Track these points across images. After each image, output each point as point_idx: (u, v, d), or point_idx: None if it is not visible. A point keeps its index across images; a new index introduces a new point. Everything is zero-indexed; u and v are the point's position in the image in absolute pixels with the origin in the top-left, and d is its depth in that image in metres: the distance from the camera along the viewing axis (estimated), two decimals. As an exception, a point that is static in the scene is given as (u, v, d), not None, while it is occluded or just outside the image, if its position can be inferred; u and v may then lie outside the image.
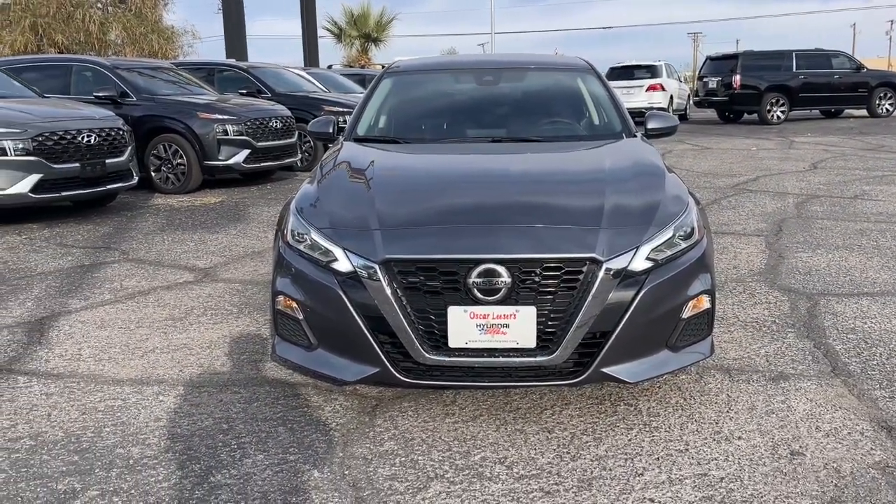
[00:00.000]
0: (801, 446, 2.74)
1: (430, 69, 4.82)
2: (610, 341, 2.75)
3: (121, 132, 7.81)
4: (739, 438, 2.81)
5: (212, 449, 2.79)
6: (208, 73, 12.34)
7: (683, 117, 23.86)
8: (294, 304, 2.96)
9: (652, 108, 20.38)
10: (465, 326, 2.72)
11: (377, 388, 3.23)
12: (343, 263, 2.82)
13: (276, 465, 2.66)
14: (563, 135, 4.17)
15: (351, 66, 24.56)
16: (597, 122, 4.24)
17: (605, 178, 3.26)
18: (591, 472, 2.58)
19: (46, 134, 7.03)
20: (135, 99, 9.43)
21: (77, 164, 7.26)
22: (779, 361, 3.55)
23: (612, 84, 20.46)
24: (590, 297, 2.71)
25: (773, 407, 3.07)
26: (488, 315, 2.71)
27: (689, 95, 24.32)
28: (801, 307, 4.37)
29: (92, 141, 7.39)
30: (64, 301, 4.81)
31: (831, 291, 4.67)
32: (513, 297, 2.71)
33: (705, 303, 2.99)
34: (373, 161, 3.57)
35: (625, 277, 2.76)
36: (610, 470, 2.60)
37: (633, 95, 20.59)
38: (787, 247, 5.89)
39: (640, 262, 2.80)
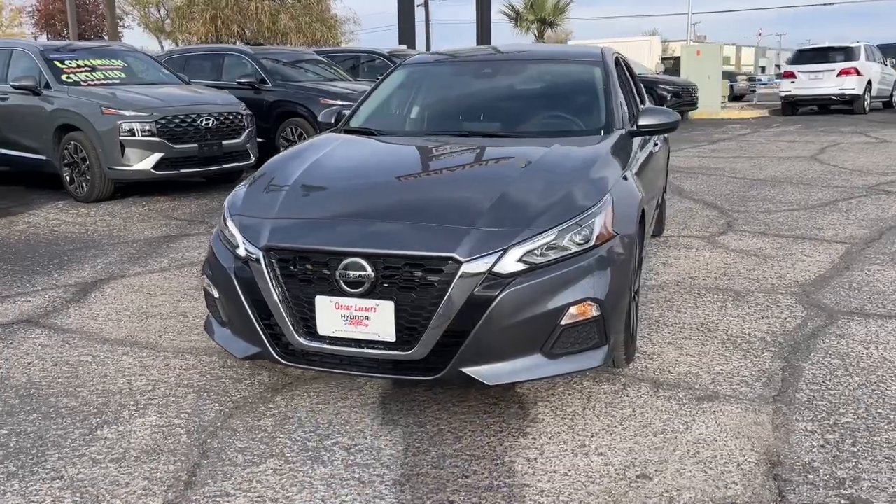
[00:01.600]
0: (655, 470, 2.60)
1: (441, 62, 4.88)
2: (466, 341, 2.75)
3: (239, 116, 8.54)
4: (599, 454, 2.71)
5: (122, 407, 3.14)
6: (356, 60, 12.99)
7: (889, 104, 21.47)
8: (213, 286, 3.24)
9: (843, 94, 18.67)
10: (331, 316, 2.85)
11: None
12: (241, 250, 3.05)
13: (158, 427, 2.96)
14: (537, 130, 4.08)
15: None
16: (583, 117, 4.11)
17: (514, 178, 3.21)
18: (420, 469, 2.62)
19: (169, 117, 7.88)
20: (270, 85, 10.22)
21: (195, 145, 8.06)
22: (724, 381, 3.31)
23: (801, 68, 18.87)
24: (447, 297, 2.73)
25: (668, 427, 2.90)
26: (351, 307, 2.82)
27: (896, 81, 21.82)
28: (809, 325, 3.99)
29: (210, 124, 8.16)
30: (127, 266, 5.46)
31: (863, 310, 4.20)
32: (375, 291, 2.80)
33: (592, 311, 2.88)
34: (321, 153, 3.75)
35: (488, 279, 2.74)
36: (440, 469, 2.62)
37: (822, 81, 18.87)
38: (866, 258, 5.30)
39: (509, 265, 2.77)
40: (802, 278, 4.85)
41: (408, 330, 2.79)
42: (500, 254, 2.77)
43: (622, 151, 3.69)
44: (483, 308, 2.73)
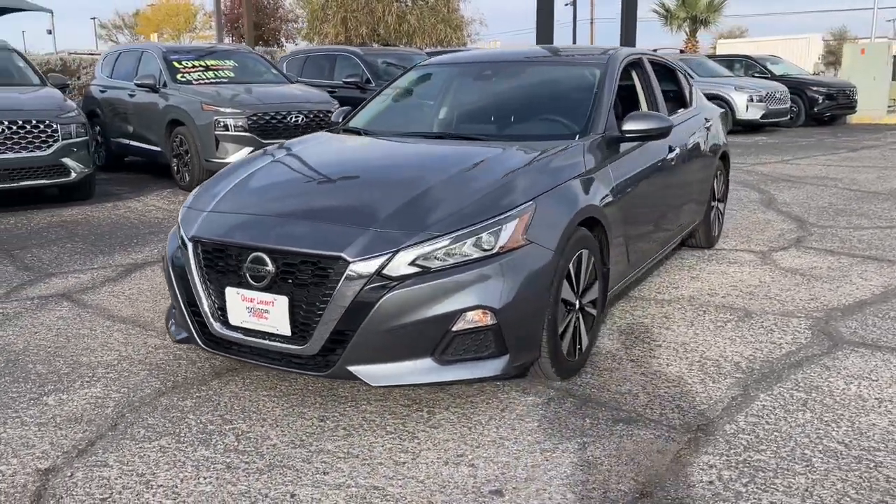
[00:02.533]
0: (514, 488, 2.53)
1: (449, 63, 4.87)
2: (352, 340, 2.80)
3: (329, 114, 8.90)
4: (470, 465, 2.67)
5: (79, 378, 3.45)
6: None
7: None
8: (170, 270, 3.48)
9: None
10: (238, 307, 2.99)
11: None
12: (177, 239, 3.27)
13: (95, 398, 3.23)
14: (511, 134, 4.00)
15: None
16: (561, 121, 3.98)
17: (442, 180, 3.19)
18: (288, 461, 2.70)
19: (260, 114, 8.38)
20: (374, 84, 10.56)
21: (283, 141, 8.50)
22: (657, 405, 3.13)
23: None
24: (334, 295, 2.79)
25: (561, 446, 2.80)
26: (254, 300, 2.95)
27: None
28: (801, 353, 3.66)
29: (299, 121, 8.59)
30: (180, 252, 5.89)
31: (877, 343, 3.80)
32: (274, 286, 2.91)
33: (486, 319, 2.83)
34: (286, 151, 3.90)
35: (376, 280, 2.77)
36: (308, 463, 2.69)
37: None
38: None
39: (400, 267, 2.78)
40: (836, 303, 4.42)
41: (302, 325, 2.87)
42: (389, 256, 2.78)
43: (587, 157, 3.56)
44: (369, 308, 2.76)
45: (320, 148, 4.06)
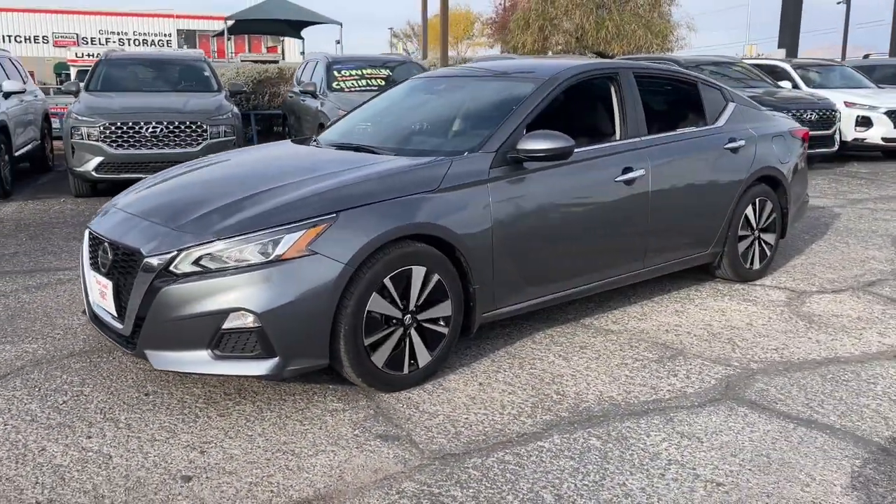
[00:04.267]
0: (207, 477, 2.74)
1: (421, 78, 4.95)
2: (143, 326, 3.18)
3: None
4: (194, 450, 2.92)
5: (20, 334, 4.21)
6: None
7: None
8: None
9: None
10: (94, 288, 3.53)
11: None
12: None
13: (4, 353, 3.95)
14: (409, 147, 4.02)
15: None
16: (468, 137, 3.95)
17: (267, 188, 3.40)
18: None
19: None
20: None
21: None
22: (436, 430, 3.11)
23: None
24: (135, 284, 3.20)
25: (306, 452, 2.94)
26: (100, 282, 3.46)
27: None
28: (675, 402, 3.34)
29: None
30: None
31: (772, 405, 3.32)
32: (110, 273, 3.39)
33: (250, 321, 3.05)
34: (219, 156, 4.33)
35: (162, 275, 3.12)
36: (90, 425, 3.12)
37: None
38: None
39: (184, 265, 3.11)
40: (795, 357, 3.87)
41: (121, 308, 3.31)
42: (174, 254, 3.11)
43: (451, 174, 3.55)
44: (153, 299, 3.11)
45: (240, 155, 4.44)
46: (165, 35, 49.68)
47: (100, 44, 46.07)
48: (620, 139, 4.34)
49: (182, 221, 3.25)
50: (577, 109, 4.75)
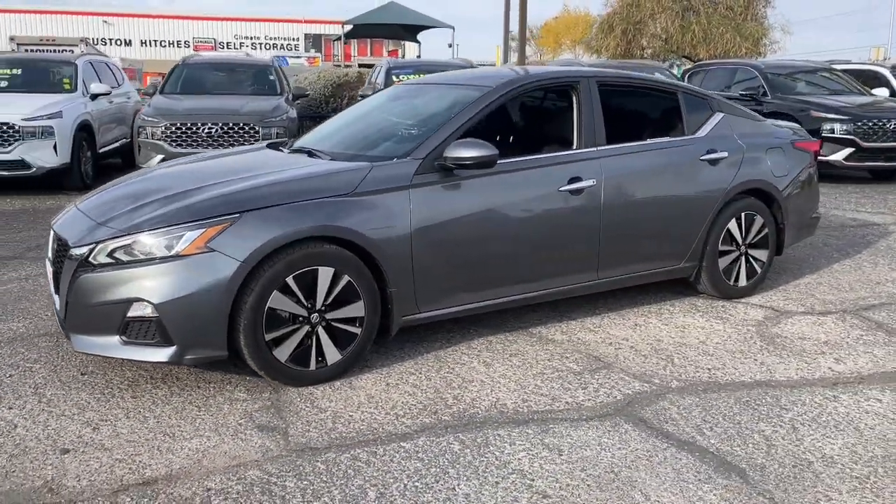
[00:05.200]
0: (83, 452, 3.01)
1: (407, 84, 5.07)
2: (67, 311, 3.50)
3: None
4: (95, 428, 3.20)
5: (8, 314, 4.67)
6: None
7: None
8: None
9: None
10: (49, 276, 3.90)
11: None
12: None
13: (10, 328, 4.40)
14: (352, 153, 4.13)
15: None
16: (405, 144, 4.04)
17: (197, 187, 3.64)
18: (49, 423, 3.42)
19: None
20: (770, 97, 10.74)
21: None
22: (300, 423, 3.26)
23: None
24: (63, 272, 3.54)
25: (178, 437, 3.16)
26: (48, 271, 3.83)
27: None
28: (555, 415, 3.34)
29: None
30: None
31: (665, 427, 3.26)
32: (54, 262, 3.75)
33: (148, 312, 3.30)
34: (189, 158, 4.63)
35: (82, 265, 3.42)
36: (55, 422, 3.48)
37: None
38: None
39: (100, 257, 3.40)
40: (723, 379, 3.74)
41: (59, 294, 3.64)
42: (92, 246, 3.40)
43: (368, 179, 3.67)
44: (74, 286, 3.43)
45: (206, 159, 4.71)
46: (294, 39, 52.06)
47: (234, 48, 48.86)
48: (577, 149, 4.31)
49: (108, 217, 3.54)
50: (530, 118, 4.75)
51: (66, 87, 10.17)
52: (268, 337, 3.43)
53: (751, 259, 5.00)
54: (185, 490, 2.70)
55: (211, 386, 3.58)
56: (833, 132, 10.11)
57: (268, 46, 51.17)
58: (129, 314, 3.32)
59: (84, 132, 9.72)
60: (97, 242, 3.39)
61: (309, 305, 3.51)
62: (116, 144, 10.94)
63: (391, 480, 2.76)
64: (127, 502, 2.62)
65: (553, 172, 4.15)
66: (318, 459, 2.91)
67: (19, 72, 10.30)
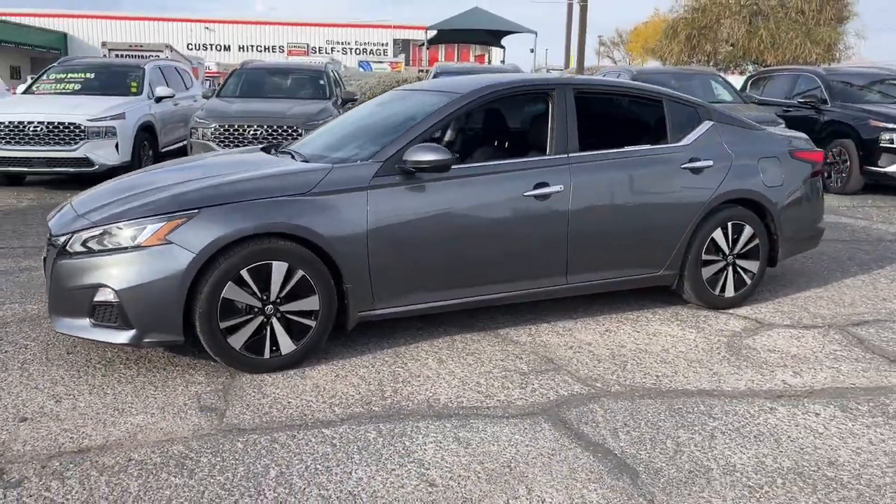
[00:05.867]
0: (39, 420, 3.33)
1: (395, 90, 5.23)
2: (50, 294, 3.85)
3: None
4: (58, 400, 3.52)
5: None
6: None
7: None
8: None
9: None
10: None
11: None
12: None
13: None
14: (326, 155, 4.32)
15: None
16: (373, 146, 4.21)
17: (175, 184, 3.94)
18: (21, 394, 3.86)
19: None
20: (830, 105, 10.61)
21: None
22: (219, 402, 3.49)
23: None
24: (46, 258, 3.90)
25: (111, 410, 3.45)
26: (44, 259, 4.20)
27: None
28: (470, 411, 3.47)
29: None
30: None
31: (582, 431, 3.34)
32: (46, 250, 4.12)
33: (111, 297, 3.61)
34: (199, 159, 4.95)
35: (62, 253, 3.77)
36: (26, 394, 3.85)
37: None
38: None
39: (76, 245, 3.73)
40: (672, 386, 3.76)
41: (46, 278, 4.01)
42: (69, 236, 3.74)
43: (328, 180, 3.87)
44: (55, 271, 3.77)
45: (199, 159, 5.01)
46: (383, 44, 53.27)
47: (325, 52, 50.45)
48: (548, 155, 4.40)
49: (87, 210, 3.87)
50: (502, 125, 4.84)
51: (133, 90, 10.84)
52: (222, 325, 3.67)
53: (739, 270, 4.94)
54: (110, 459, 2.95)
55: (176, 369, 3.85)
56: (892, 142, 9.69)
57: (357, 51, 52.51)
58: (96, 299, 3.62)
59: (146, 132, 10.37)
60: (73, 232, 3.71)
61: (263, 297, 3.73)
62: (180, 144, 11.57)
63: (297, 462, 2.94)
64: (55, 466, 2.89)
65: (517, 178, 4.24)
66: (239, 439, 3.12)
67: (92, 76, 11.05)
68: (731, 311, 4.94)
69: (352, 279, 3.89)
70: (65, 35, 46.31)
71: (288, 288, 3.76)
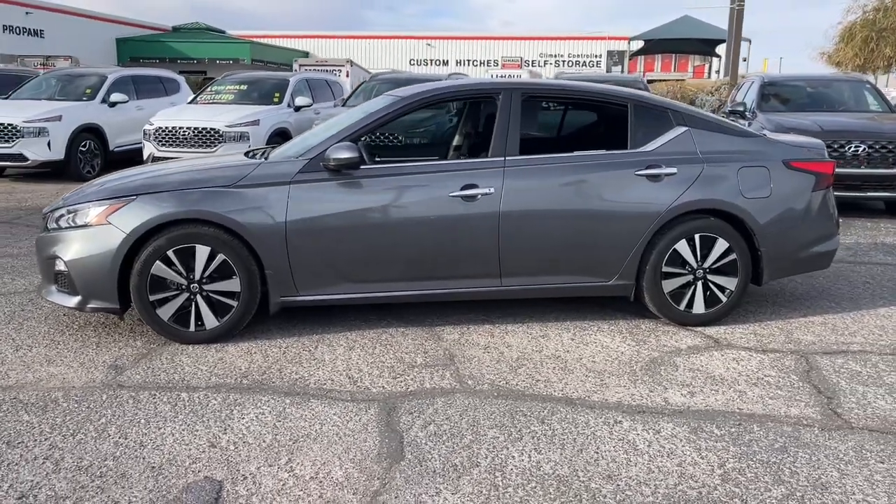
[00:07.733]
0: (21, 387, 4.07)
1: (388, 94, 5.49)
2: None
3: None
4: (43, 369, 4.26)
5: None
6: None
7: None
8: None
9: None
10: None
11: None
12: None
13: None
14: (280, 155, 4.70)
15: None
16: (307, 146, 4.52)
17: (158, 174, 4.55)
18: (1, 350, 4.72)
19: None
20: None
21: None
22: (142, 372, 3.99)
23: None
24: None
25: (59, 378, 4.09)
26: (56, 234, 5.04)
27: None
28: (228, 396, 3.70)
29: (859, 151, 8.61)
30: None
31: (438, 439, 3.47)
32: (54, 227, 4.95)
33: (62, 266, 4.29)
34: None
35: (45, 229, 4.53)
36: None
37: None
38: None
39: (51, 223, 4.43)
40: (560, 394, 3.74)
41: (47, 252, 4.80)
42: (48, 215, 4.49)
43: (256, 173, 4.27)
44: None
45: (199, 159, 5.57)
46: (596, 56, 53.08)
47: (539, 65, 51.40)
48: (486, 157, 4.48)
49: (69, 195, 4.59)
50: (445, 127, 4.92)
51: (276, 100, 11.99)
52: (152, 298, 4.20)
53: (711, 286, 4.65)
54: (6, 395, 3.56)
55: (126, 333, 4.44)
56: None
57: (570, 63, 52.79)
58: (56, 268, 4.31)
59: (280, 137, 11.43)
60: (52, 211, 4.44)
61: (189, 276, 4.21)
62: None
63: (129, 415, 3.36)
64: (-40, 396, 3.55)
65: (446, 178, 4.37)
66: (109, 392, 3.60)
67: (245, 87, 12.37)
68: (698, 328, 4.66)
69: (272, 266, 4.25)
70: (306, 54, 51.11)
71: (210, 269, 4.20)
